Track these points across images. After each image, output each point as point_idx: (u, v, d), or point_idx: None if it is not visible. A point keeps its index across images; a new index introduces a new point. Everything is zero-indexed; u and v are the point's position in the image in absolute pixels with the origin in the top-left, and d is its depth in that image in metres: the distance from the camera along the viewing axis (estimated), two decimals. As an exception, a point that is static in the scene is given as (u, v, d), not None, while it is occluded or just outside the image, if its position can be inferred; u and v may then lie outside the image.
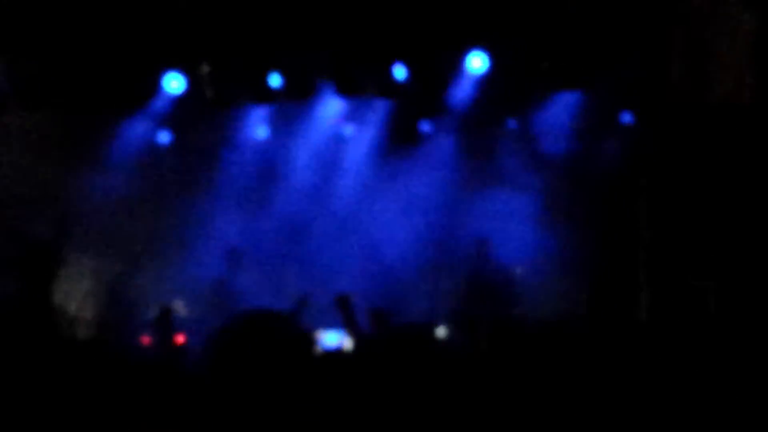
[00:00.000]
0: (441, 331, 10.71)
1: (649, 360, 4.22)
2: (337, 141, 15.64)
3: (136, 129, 15.26)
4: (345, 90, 13.79)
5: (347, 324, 10.59)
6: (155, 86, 14.18)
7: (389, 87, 13.78)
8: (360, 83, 13.79)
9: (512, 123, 15.06)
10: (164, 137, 15.66)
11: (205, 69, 13.62)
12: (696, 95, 12.33)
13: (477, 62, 13.80)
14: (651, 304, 12.19)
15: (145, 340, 12.21)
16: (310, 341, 3.62)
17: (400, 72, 13.57)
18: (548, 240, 14.50)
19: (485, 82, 14.02)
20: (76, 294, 15.30)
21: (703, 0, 12.18)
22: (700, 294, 11.38)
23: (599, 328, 4.39)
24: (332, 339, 10.51)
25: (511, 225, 14.95)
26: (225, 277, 14.33)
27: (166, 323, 10.21)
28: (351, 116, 15.32)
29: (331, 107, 14.85)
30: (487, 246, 13.96)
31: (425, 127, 15.36)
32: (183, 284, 15.04)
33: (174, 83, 14.22)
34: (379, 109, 15.07)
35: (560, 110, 14.42)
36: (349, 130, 15.57)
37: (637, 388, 4.10)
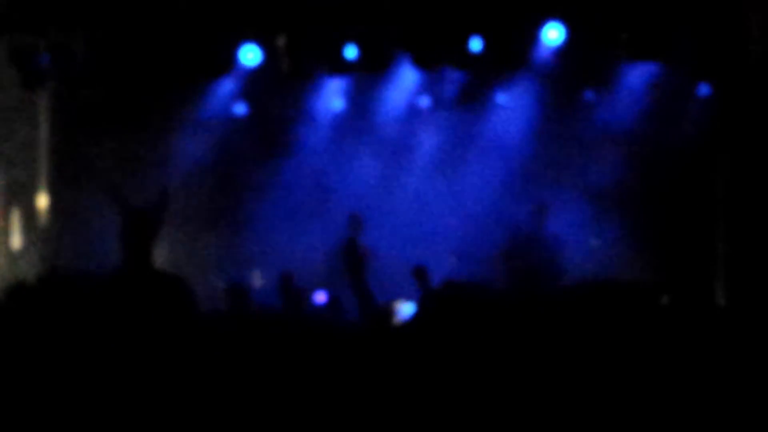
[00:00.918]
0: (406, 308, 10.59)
1: (726, 347, 4.15)
2: (412, 113, 15.63)
3: (213, 101, 15.38)
4: (421, 62, 13.77)
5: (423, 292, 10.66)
6: (232, 59, 14.23)
7: (465, 59, 13.74)
8: (436, 55, 13.75)
9: (589, 95, 14.96)
10: (240, 109, 15.74)
11: (282, 41, 13.66)
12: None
13: (553, 33, 13.73)
14: (729, 288, 12.07)
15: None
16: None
17: (476, 44, 13.53)
18: (618, 215, 14.45)
19: (562, 53, 13.95)
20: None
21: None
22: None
23: (672, 312, 4.31)
24: (409, 310, 10.57)
25: (582, 196, 14.92)
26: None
27: (242, 294, 10.26)
28: (426, 88, 15.29)
29: (406, 79, 14.82)
30: (544, 213, 13.78)
31: (500, 98, 15.32)
32: (255, 255, 15.19)
33: (250, 55, 14.30)
34: (454, 81, 15.05)
35: (638, 82, 14.33)
36: (424, 102, 15.56)
37: (710, 374, 4.05)
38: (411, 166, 15.60)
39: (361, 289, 8.64)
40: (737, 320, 4.70)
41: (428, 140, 15.70)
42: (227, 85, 15.04)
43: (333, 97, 15.54)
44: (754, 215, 12.26)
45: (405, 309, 10.46)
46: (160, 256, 15.97)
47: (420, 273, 10.84)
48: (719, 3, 12.56)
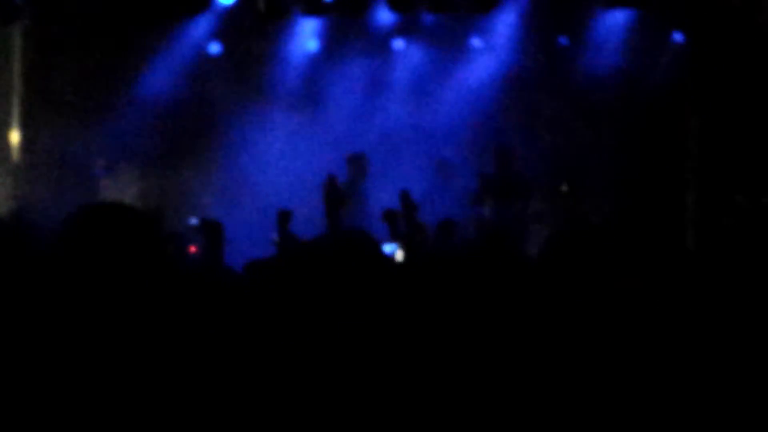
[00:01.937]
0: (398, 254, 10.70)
1: (697, 290, 4.22)
2: (388, 55, 15.67)
3: (188, 39, 15.37)
4: (397, 6, 13.77)
5: (394, 236, 10.80)
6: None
7: (442, 3, 13.76)
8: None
9: (563, 40, 15.03)
10: (215, 48, 15.74)
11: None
12: (748, 17, 12.30)
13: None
14: (698, 227, 12.22)
15: (192, 248, 12.32)
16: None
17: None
18: (591, 156, 14.57)
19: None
20: (123, 200, 15.48)
21: None
22: (751, 214, 11.37)
23: (642, 255, 4.34)
24: (387, 249, 10.72)
25: (554, 138, 15.03)
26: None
27: (214, 233, 10.29)
28: (402, 31, 15.32)
29: (381, 21, 14.84)
30: (513, 156, 13.77)
31: (475, 42, 15.38)
32: (223, 192, 15.26)
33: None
34: (430, 25, 15.08)
35: (612, 28, 14.41)
36: (399, 44, 15.59)
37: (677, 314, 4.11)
38: (384, 106, 15.66)
39: (335, 226, 8.79)
40: (706, 263, 4.78)
41: (402, 82, 15.76)
42: (202, 24, 15.01)
43: (308, 38, 15.57)
44: (724, 162, 12.40)
45: (384, 249, 10.61)
46: (133, 193, 16.04)
47: (389, 216, 10.97)
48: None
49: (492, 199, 13.11)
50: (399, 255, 10.41)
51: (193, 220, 12.27)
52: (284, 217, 10.32)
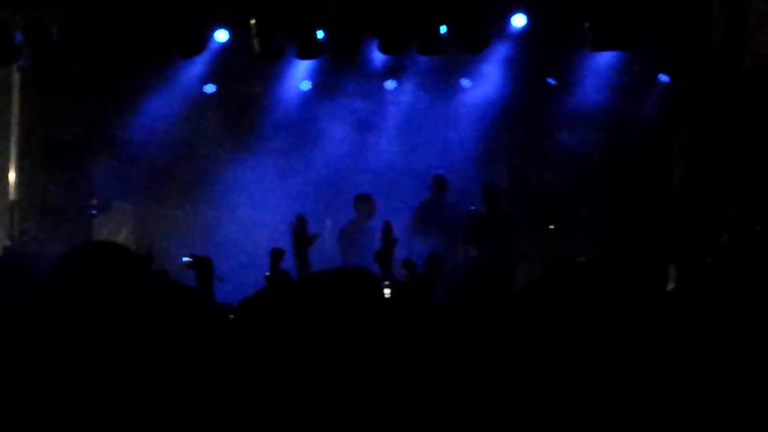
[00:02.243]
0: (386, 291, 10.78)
1: (675, 331, 4.29)
2: (379, 96, 15.81)
3: (183, 78, 15.50)
4: (388, 48, 13.86)
5: (385, 276, 10.90)
6: (205, 39, 14.33)
7: (432, 45, 13.86)
8: (403, 41, 13.84)
9: (551, 80, 15.16)
10: (209, 87, 15.88)
11: (253, 22, 13.74)
12: (732, 58, 12.45)
13: (518, 20, 13.96)
14: (682, 265, 12.31)
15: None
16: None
17: (441, 30, 13.65)
18: (578, 195, 14.66)
19: (525, 40, 14.14)
20: (117, 238, 15.58)
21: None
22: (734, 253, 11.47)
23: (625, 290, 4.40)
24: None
25: (542, 177, 15.14)
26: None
27: (204, 268, 10.36)
28: (393, 72, 15.47)
29: (374, 63, 14.96)
30: (500, 193, 13.85)
31: (465, 82, 15.53)
32: (215, 230, 15.35)
33: (221, 34, 14.44)
34: (420, 65, 15.22)
35: (599, 69, 14.54)
36: (391, 84, 15.74)
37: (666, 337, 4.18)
38: (376, 145, 15.79)
39: (303, 267, 8.93)
40: (687, 302, 4.85)
41: (393, 121, 15.89)
42: (197, 64, 15.15)
43: (301, 78, 15.71)
44: (708, 202, 12.49)
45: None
46: (127, 231, 16.14)
47: (380, 256, 11.09)
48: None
49: (480, 237, 13.18)
50: (386, 292, 10.52)
51: (185, 259, 12.35)
52: (277, 255, 10.45)
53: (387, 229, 9.55)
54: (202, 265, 9.97)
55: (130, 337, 3.42)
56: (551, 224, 15.09)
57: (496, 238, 13.04)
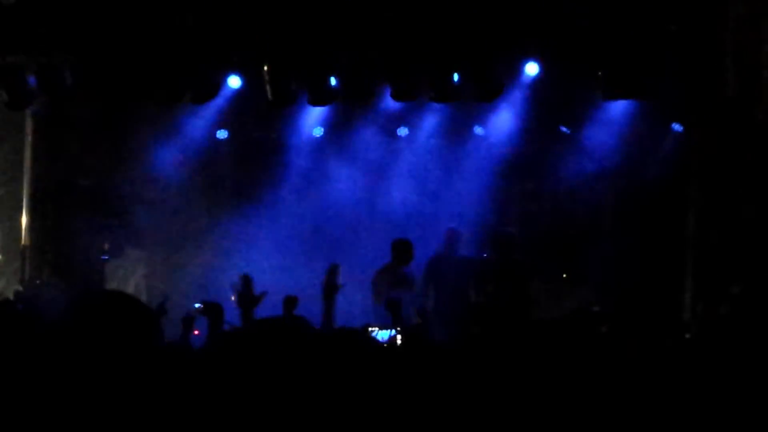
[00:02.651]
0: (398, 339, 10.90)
1: (690, 381, 4.29)
2: (391, 143, 15.84)
3: (195, 123, 15.54)
4: (401, 95, 13.89)
5: (396, 324, 10.94)
6: (218, 85, 14.37)
7: (445, 93, 13.88)
8: (415, 89, 13.88)
9: (564, 129, 15.18)
10: (222, 133, 15.92)
11: (266, 69, 13.79)
12: (745, 107, 12.45)
13: (531, 69, 13.98)
14: (696, 315, 12.27)
15: (196, 332, 12.40)
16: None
17: (455, 78, 13.65)
18: (591, 243, 14.63)
19: (539, 88, 14.16)
20: (128, 286, 15.60)
21: (755, 11, 12.31)
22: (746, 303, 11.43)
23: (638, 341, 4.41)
24: (384, 335, 10.90)
25: (554, 225, 15.12)
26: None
27: (215, 315, 10.39)
28: (406, 119, 15.50)
29: (387, 109, 14.99)
30: (512, 241, 13.78)
31: (477, 130, 15.55)
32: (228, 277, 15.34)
33: (234, 80, 14.48)
34: (434, 112, 15.25)
35: (612, 118, 14.54)
36: (403, 131, 15.77)
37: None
38: (387, 192, 15.80)
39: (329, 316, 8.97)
40: (701, 351, 4.84)
41: (405, 167, 15.92)
42: (210, 109, 15.18)
43: (313, 125, 15.73)
44: (722, 252, 12.46)
45: (380, 335, 10.78)
46: (138, 277, 16.15)
47: (393, 305, 11.12)
48: (696, 47, 12.76)
49: (492, 284, 13.15)
50: (398, 339, 10.56)
51: (197, 305, 12.41)
52: (290, 302, 10.49)
53: (332, 271, 9.57)
54: (213, 312, 10.01)
55: (131, 390, 3.43)
56: (563, 273, 15.07)
57: (507, 284, 13.02)
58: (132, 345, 3.47)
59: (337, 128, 15.68)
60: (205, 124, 15.57)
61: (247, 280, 9.44)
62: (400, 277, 13.54)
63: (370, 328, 11.17)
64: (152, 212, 15.79)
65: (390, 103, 14.43)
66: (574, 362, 4.02)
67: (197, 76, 13.97)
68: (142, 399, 3.42)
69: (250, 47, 13.60)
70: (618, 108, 14.40)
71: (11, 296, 13.17)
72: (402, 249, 13.78)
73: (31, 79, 14.10)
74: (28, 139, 15.66)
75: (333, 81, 13.89)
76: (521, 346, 4.14)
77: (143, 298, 14.27)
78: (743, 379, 4.49)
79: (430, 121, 15.46)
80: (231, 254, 15.44)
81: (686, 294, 13.13)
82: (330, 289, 9.34)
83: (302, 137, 15.85)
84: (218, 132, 15.83)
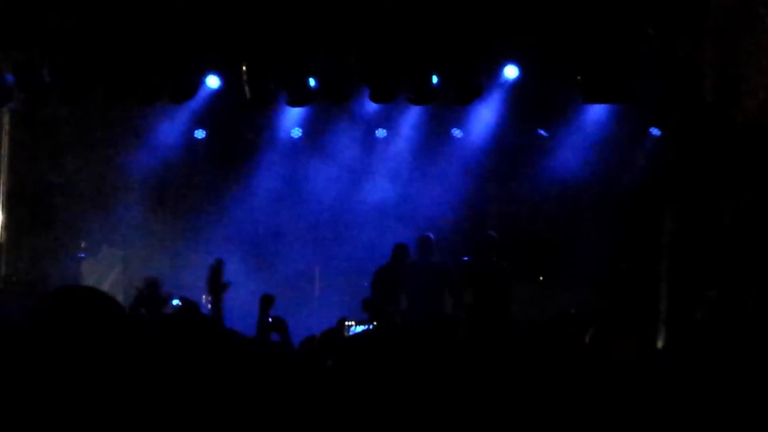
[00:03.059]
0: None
1: (661, 392, 4.29)
2: (369, 144, 15.84)
3: (173, 123, 15.51)
4: (379, 97, 13.86)
5: (371, 320, 11.04)
6: (196, 86, 14.32)
7: (423, 95, 13.87)
8: (394, 90, 13.85)
9: (543, 132, 15.20)
10: (200, 133, 15.89)
11: (245, 69, 13.75)
12: (723, 112, 12.48)
13: (511, 72, 13.98)
14: (670, 320, 12.31)
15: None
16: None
17: (433, 80, 13.63)
18: (569, 246, 14.66)
19: (517, 90, 14.16)
20: (105, 282, 15.55)
21: (734, 18, 12.34)
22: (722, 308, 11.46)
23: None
24: (359, 330, 11.02)
25: (535, 226, 15.14)
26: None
27: (191, 312, 10.39)
28: (384, 120, 15.50)
29: (365, 110, 14.98)
30: (494, 244, 13.73)
31: (456, 132, 15.55)
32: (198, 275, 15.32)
33: (212, 80, 14.44)
34: (412, 114, 15.25)
35: (590, 122, 14.56)
36: (381, 133, 15.77)
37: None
38: (365, 192, 15.80)
39: (217, 310, 9.02)
40: (674, 361, 4.85)
41: (383, 169, 15.91)
42: (188, 109, 15.14)
43: (292, 125, 15.72)
44: (698, 257, 12.48)
45: (355, 329, 10.88)
46: (114, 275, 16.10)
47: (369, 304, 11.16)
48: (676, 53, 12.78)
49: (472, 290, 13.13)
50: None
51: (176, 301, 12.44)
52: (267, 301, 10.48)
53: (216, 268, 9.54)
54: (189, 309, 10.03)
55: (99, 383, 3.42)
56: (540, 275, 15.08)
57: (488, 289, 13.00)
58: (101, 341, 3.46)
59: (315, 129, 15.68)
60: (182, 123, 15.53)
61: (218, 266, 9.39)
62: (397, 277, 13.55)
63: (347, 323, 11.22)
64: (129, 210, 15.74)
65: (368, 105, 14.42)
66: (554, 365, 4.03)
67: (175, 75, 13.92)
68: (112, 394, 3.41)
69: (229, 47, 13.56)
70: (597, 112, 14.42)
71: None
72: (401, 251, 13.81)
73: (9, 77, 14.04)
74: (5, 136, 15.57)
75: (312, 82, 13.86)
76: (501, 350, 4.16)
77: (119, 296, 14.23)
78: (720, 381, 4.51)
79: (409, 122, 15.45)
80: (208, 253, 15.40)
81: (662, 298, 13.14)
82: (215, 286, 9.32)
83: (280, 138, 15.83)
84: (196, 131, 15.80)
